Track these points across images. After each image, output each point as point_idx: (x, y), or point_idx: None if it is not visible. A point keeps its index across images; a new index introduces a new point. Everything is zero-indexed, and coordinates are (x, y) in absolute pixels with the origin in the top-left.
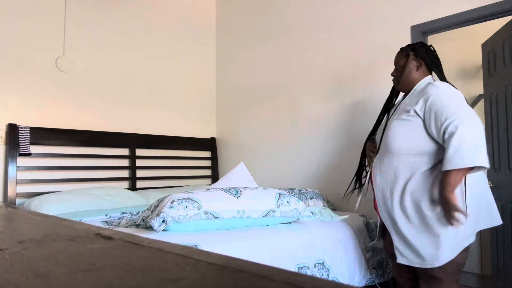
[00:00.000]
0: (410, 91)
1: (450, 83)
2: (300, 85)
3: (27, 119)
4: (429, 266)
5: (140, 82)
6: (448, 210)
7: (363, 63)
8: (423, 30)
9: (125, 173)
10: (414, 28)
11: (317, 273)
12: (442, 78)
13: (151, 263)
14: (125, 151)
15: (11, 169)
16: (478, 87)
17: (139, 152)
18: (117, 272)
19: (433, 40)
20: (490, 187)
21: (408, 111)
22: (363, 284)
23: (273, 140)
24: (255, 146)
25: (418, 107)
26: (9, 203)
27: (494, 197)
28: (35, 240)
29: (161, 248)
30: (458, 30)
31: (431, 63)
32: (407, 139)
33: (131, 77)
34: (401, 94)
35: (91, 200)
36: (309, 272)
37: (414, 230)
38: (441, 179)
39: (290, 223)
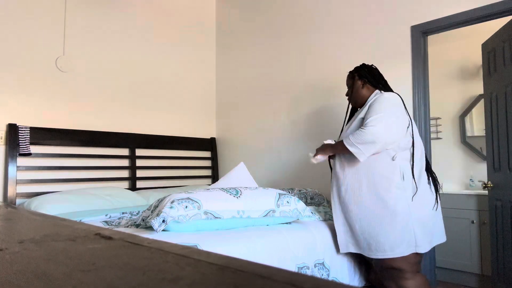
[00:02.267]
0: (363, 105)
1: (395, 92)
2: (300, 85)
3: (27, 119)
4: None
5: (140, 82)
6: (317, 151)
7: (363, 63)
8: (423, 30)
9: (125, 173)
10: (414, 28)
11: (317, 273)
12: (388, 89)
13: (151, 263)
14: (125, 151)
15: (11, 169)
16: (478, 87)
17: (139, 152)
18: (117, 272)
19: (433, 40)
20: (490, 187)
21: (360, 119)
22: (363, 284)
23: (273, 140)
24: (255, 146)
25: (364, 112)
26: (9, 203)
27: (494, 197)
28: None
29: (161, 248)
30: (458, 30)
31: (372, 80)
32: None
33: (131, 77)
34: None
35: (91, 200)
36: (309, 272)
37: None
38: (337, 142)
39: (290, 223)
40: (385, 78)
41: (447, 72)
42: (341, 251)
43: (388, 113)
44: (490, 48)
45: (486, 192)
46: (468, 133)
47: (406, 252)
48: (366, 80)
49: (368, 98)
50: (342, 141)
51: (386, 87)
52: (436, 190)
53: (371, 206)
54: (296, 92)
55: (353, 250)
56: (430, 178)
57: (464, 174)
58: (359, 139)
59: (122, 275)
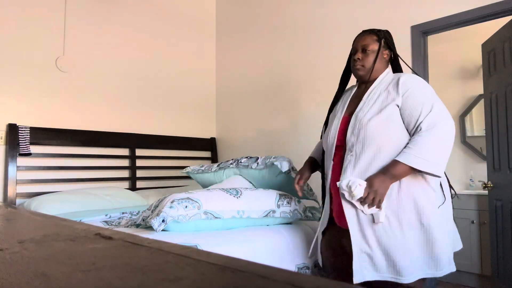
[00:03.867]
0: (372, 81)
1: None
2: (300, 85)
3: (27, 119)
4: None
5: (140, 82)
6: (374, 197)
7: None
8: (423, 30)
9: (125, 173)
10: (414, 28)
11: (317, 273)
12: (400, 71)
13: (151, 263)
14: (125, 151)
15: (11, 169)
16: (478, 87)
17: (139, 152)
18: (117, 272)
19: (433, 40)
20: (490, 187)
21: (385, 106)
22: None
23: (273, 140)
24: (255, 146)
25: (398, 98)
26: (9, 203)
27: (494, 197)
28: (35, 240)
29: (161, 248)
30: (458, 30)
31: (395, 55)
32: (393, 135)
33: (131, 77)
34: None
35: (91, 200)
36: (309, 272)
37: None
38: (387, 166)
39: (290, 223)
40: None
41: (447, 72)
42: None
43: (441, 103)
44: (490, 48)
45: (486, 192)
46: (468, 133)
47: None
48: (392, 52)
49: (380, 74)
50: (401, 163)
51: (399, 70)
52: (451, 187)
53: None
54: (297, 92)
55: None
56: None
57: (464, 174)
58: (437, 151)
59: (122, 275)
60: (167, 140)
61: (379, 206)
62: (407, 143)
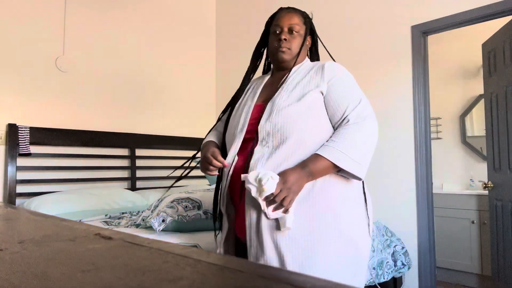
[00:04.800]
0: (290, 68)
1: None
2: None
3: (27, 119)
4: None
5: (140, 82)
6: (289, 196)
7: (363, 63)
8: (423, 30)
9: (125, 173)
10: (414, 28)
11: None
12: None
13: (151, 263)
14: (125, 151)
15: (11, 169)
16: (478, 87)
17: (139, 152)
18: (117, 272)
19: (433, 40)
20: (491, 187)
21: (307, 92)
22: (363, 285)
23: None
24: None
25: (323, 84)
26: (9, 203)
27: (495, 197)
28: (35, 240)
29: (161, 248)
30: (458, 30)
31: (315, 42)
32: (315, 126)
33: (131, 77)
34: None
35: (91, 200)
36: None
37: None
38: (306, 161)
39: None
40: (383, 77)
41: (447, 72)
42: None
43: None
44: (490, 48)
45: (486, 192)
46: (468, 133)
47: None
48: (316, 39)
49: (301, 61)
50: (322, 158)
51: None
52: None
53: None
54: None
55: None
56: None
57: (464, 174)
58: (364, 149)
59: (122, 275)
60: (167, 140)
61: (287, 210)
62: (331, 136)
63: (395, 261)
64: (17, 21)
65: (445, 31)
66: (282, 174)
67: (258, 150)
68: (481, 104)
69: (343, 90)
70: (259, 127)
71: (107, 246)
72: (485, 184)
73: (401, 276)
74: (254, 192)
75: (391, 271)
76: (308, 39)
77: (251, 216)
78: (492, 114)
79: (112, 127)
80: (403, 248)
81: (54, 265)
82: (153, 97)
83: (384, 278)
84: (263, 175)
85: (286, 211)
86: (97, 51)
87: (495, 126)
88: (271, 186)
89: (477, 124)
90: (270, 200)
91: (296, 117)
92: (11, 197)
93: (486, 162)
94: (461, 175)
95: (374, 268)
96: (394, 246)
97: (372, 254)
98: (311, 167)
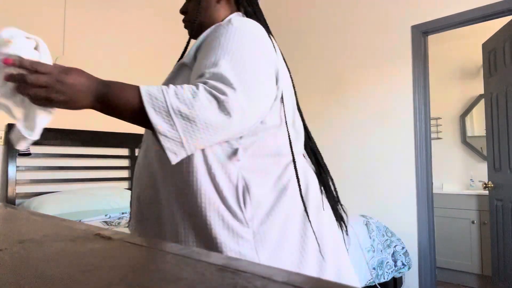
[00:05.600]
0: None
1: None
2: (300, 85)
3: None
4: None
5: (140, 82)
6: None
7: (363, 63)
8: (423, 30)
9: (124, 173)
10: (414, 28)
11: None
12: (258, 15)
13: (151, 263)
14: (125, 151)
15: (11, 169)
16: (478, 87)
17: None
18: (117, 272)
19: (433, 40)
20: (491, 187)
21: (178, 69)
22: (363, 284)
23: None
24: None
25: (191, 56)
26: (9, 203)
27: (495, 197)
28: (35, 240)
29: (161, 248)
30: (458, 30)
31: None
32: None
33: (131, 77)
34: None
35: (91, 200)
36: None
37: None
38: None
39: None
40: (382, 77)
41: (447, 72)
42: None
43: (251, 60)
44: (490, 48)
45: (486, 192)
46: (469, 133)
47: None
48: None
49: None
50: (135, 88)
51: (256, 10)
52: (341, 220)
53: None
54: (297, 91)
55: None
56: (328, 192)
57: (464, 174)
58: (190, 107)
59: (121, 276)
60: None
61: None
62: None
63: (395, 261)
64: (17, 21)
65: (445, 31)
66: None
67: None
68: (481, 104)
69: (207, 52)
70: None
71: (107, 246)
72: (485, 184)
73: (401, 276)
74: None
75: (391, 271)
76: None
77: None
78: (492, 114)
79: (112, 127)
80: (403, 248)
81: (54, 265)
82: None
83: (384, 278)
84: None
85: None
86: (97, 51)
87: (495, 126)
88: (23, 46)
89: (477, 124)
90: (13, 75)
91: None
92: (10, 197)
93: (486, 162)
94: (461, 175)
95: (374, 268)
96: (394, 246)
97: (372, 254)
98: (111, 87)
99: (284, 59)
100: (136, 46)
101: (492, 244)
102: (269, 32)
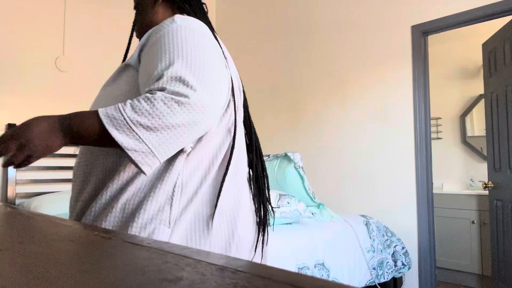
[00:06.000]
0: None
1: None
2: (301, 85)
3: (26, 119)
4: None
5: None
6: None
7: (363, 63)
8: (423, 30)
9: None
10: (414, 28)
11: (317, 273)
12: (199, 16)
13: (151, 263)
14: None
15: (11, 169)
16: (478, 87)
17: None
18: (117, 273)
19: (433, 40)
20: (491, 187)
21: (121, 70)
22: (363, 284)
23: (273, 140)
24: None
25: (135, 56)
26: (9, 203)
27: (495, 197)
28: (35, 240)
29: (161, 248)
30: (458, 30)
31: None
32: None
33: None
34: None
35: None
36: (309, 273)
37: None
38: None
39: (290, 223)
40: (383, 77)
41: (447, 72)
42: None
43: (204, 57)
44: (490, 48)
45: (486, 192)
46: (469, 133)
47: None
48: None
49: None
50: (91, 114)
51: (199, 10)
52: (262, 228)
53: None
54: (297, 91)
55: None
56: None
57: (464, 174)
58: (150, 117)
59: (121, 276)
60: None
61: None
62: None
63: (395, 261)
64: (17, 21)
65: (445, 31)
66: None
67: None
68: (481, 104)
69: (153, 54)
70: None
71: (107, 246)
72: (485, 184)
73: (401, 276)
74: None
75: (391, 271)
76: None
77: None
78: (492, 114)
79: None
80: (403, 248)
81: (54, 266)
82: None
83: (384, 278)
84: None
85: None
86: (97, 51)
87: (495, 126)
88: None
89: (477, 124)
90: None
91: (102, 105)
92: (10, 197)
93: (486, 162)
94: (461, 175)
95: (374, 268)
96: (394, 246)
97: (372, 254)
98: (72, 119)
99: (230, 63)
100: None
101: (492, 244)
102: (213, 31)
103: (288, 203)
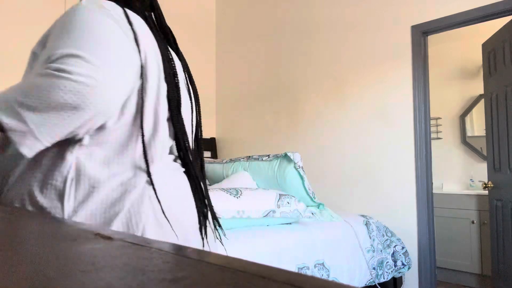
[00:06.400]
0: None
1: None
2: (301, 85)
3: None
4: None
5: None
6: None
7: (363, 63)
8: (423, 30)
9: None
10: (414, 28)
11: (317, 273)
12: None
13: (151, 263)
14: None
15: None
16: (478, 87)
17: None
18: (117, 272)
19: (433, 40)
20: (491, 187)
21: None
22: (363, 284)
23: (273, 140)
24: (255, 146)
25: (38, 43)
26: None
27: (495, 197)
28: (35, 240)
29: (161, 248)
30: (458, 30)
31: None
32: None
33: None
34: None
35: None
36: (309, 273)
37: None
38: None
39: (290, 223)
40: (383, 77)
41: (447, 72)
42: None
43: (97, 35)
44: (490, 48)
45: (486, 192)
46: (469, 133)
47: None
48: None
49: None
50: None
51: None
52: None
53: None
54: (297, 92)
55: None
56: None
57: (464, 174)
58: (29, 100)
59: (122, 276)
60: None
61: None
62: None
63: (395, 261)
64: (17, 21)
65: (445, 31)
66: None
67: None
68: (481, 104)
69: (48, 37)
70: None
71: (107, 246)
72: (485, 184)
73: (401, 276)
74: None
75: (391, 271)
76: None
77: None
78: (492, 114)
79: None
80: (403, 248)
81: (54, 265)
82: None
83: (384, 278)
84: None
85: None
86: None
87: (495, 126)
88: None
89: (477, 124)
90: None
91: None
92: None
93: (486, 162)
94: (461, 175)
95: (374, 268)
96: (394, 246)
97: (372, 254)
98: None
99: (168, 51)
100: None
101: (492, 244)
102: (127, 16)
103: (288, 203)
